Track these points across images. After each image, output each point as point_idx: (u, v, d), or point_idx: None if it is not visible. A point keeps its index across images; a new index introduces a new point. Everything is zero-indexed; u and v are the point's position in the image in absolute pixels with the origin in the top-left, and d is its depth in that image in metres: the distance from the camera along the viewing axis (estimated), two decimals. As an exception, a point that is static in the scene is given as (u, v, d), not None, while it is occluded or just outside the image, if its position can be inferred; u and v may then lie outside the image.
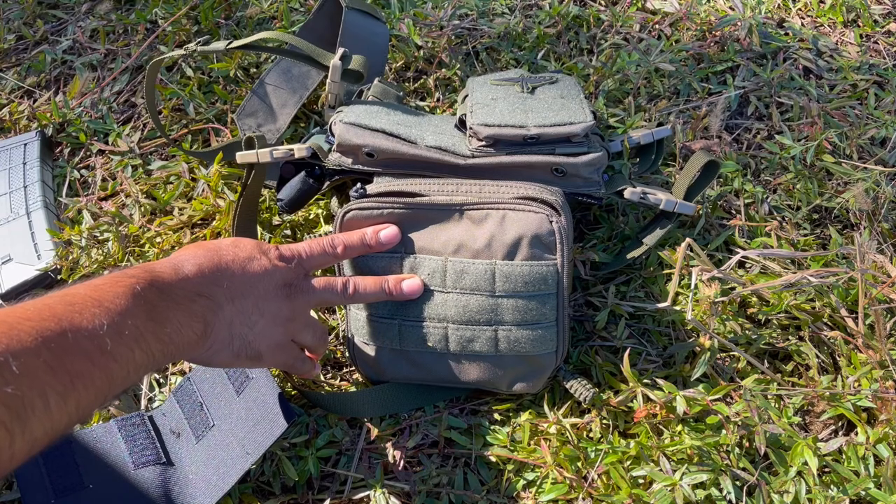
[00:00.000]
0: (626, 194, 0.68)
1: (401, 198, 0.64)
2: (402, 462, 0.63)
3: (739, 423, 0.61)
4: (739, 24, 0.96)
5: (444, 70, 0.92)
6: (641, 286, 0.73)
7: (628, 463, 0.62)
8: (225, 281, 0.54)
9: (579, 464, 0.62)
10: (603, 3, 1.04)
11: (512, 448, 0.64)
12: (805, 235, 0.77)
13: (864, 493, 0.59)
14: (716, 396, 0.62)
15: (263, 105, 0.88)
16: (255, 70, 0.95)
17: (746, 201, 0.80)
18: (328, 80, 0.73)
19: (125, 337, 0.44)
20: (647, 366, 0.69)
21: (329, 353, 0.72)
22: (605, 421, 0.65)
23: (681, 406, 0.61)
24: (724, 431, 0.61)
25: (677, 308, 0.70)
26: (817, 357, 0.69)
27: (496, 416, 0.67)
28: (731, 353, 0.68)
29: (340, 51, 0.73)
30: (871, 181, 0.80)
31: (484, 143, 0.65)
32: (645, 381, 0.65)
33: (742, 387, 0.64)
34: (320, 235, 0.76)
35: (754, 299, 0.71)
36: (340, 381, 0.71)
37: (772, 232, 0.76)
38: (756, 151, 0.85)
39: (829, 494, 0.59)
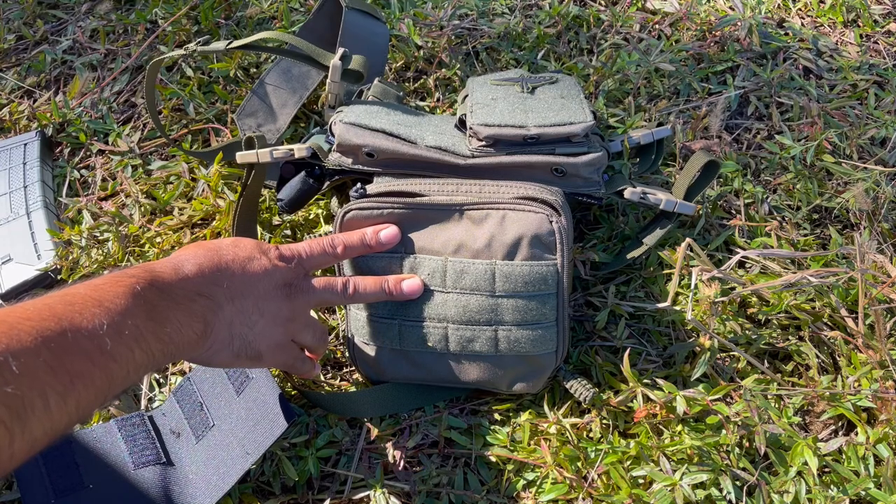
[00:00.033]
0: (626, 194, 0.68)
1: (401, 198, 0.64)
2: (402, 462, 0.63)
3: (739, 423, 0.61)
4: (739, 24, 0.96)
5: (444, 70, 0.92)
6: (641, 286, 0.73)
7: (628, 463, 0.62)
8: (225, 281, 0.54)
9: (579, 464, 0.62)
10: (603, 3, 1.04)
11: (512, 448, 0.64)
12: (805, 235, 0.77)
13: (864, 493, 0.59)
14: (716, 396, 0.62)
15: (263, 105, 0.88)
16: (255, 70, 0.95)
17: (746, 201, 0.80)
18: (328, 80, 0.73)
19: (125, 337, 0.44)
20: (647, 366, 0.69)
21: (329, 353, 0.72)
22: (605, 421, 0.65)
23: (681, 406, 0.61)
24: (724, 431, 0.61)
25: (677, 308, 0.70)
26: (817, 357, 0.69)
27: (496, 416, 0.67)
28: (731, 353, 0.68)
29: (340, 51, 0.73)
30: (871, 181, 0.80)
31: (484, 143, 0.65)
32: (645, 381, 0.65)
33: (742, 387, 0.64)
34: (320, 235, 0.76)
35: (754, 299, 0.71)
36: (340, 381, 0.71)
37: (772, 232, 0.76)
38: (756, 151, 0.85)
39: (829, 494, 0.59)
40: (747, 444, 0.62)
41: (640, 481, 0.61)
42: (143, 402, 0.71)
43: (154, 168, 0.88)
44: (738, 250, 0.74)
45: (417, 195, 0.65)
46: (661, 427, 0.64)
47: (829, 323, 0.71)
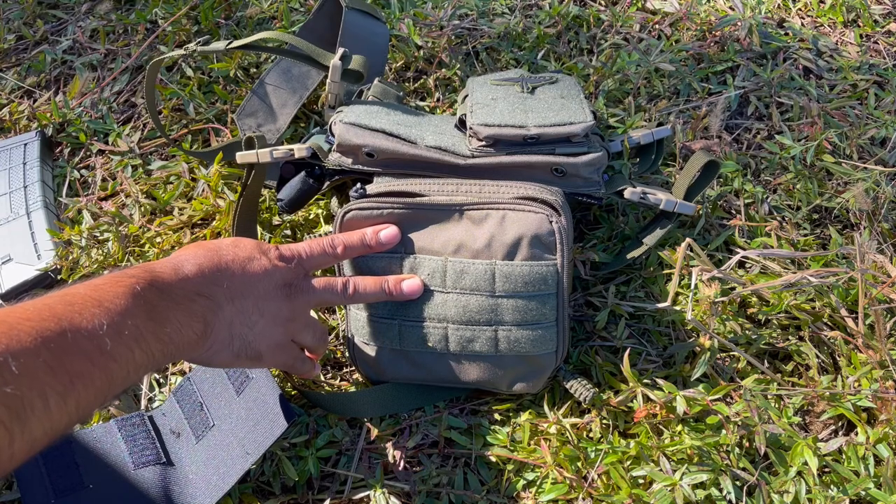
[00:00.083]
0: (626, 194, 0.68)
1: (401, 198, 0.64)
2: (402, 462, 0.63)
3: (739, 423, 0.61)
4: (739, 24, 0.96)
5: (444, 70, 0.92)
6: (641, 286, 0.73)
7: (628, 463, 0.62)
8: (225, 281, 0.54)
9: (579, 464, 0.62)
10: (603, 3, 1.04)
11: (512, 448, 0.64)
12: (805, 235, 0.77)
13: (864, 493, 0.59)
14: (716, 396, 0.62)
15: (263, 105, 0.88)
16: (255, 70, 0.95)
17: (746, 201, 0.80)
18: (328, 80, 0.73)
19: (125, 337, 0.44)
20: (647, 366, 0.69)
21: (329, 353, 0.72)
22: (605, 421, 0.65)
23: (681, 406, 0.61)
24: (724, 431, 0.61)
25: (677, 308, 0.70)
26: (817, 357, 0.69)
27: (496, 416, 0.67)
28: (731, 353, 0.68)
29: (340, 51, 0.73)
30: (871, 181, 0.80)
31: (484, 143, 0.65)
32: (645, 381, 0.65)
33: (742, 387, 0.64)
34: (320, 235, 0.76)
35: (754, 299, 0.71)
36: (340, 381, 0.71)
37: (772, 232, 0.76)
38: (756, 151, 0.85)
39: (829, 494, 0.59)
40: (747, 444, 0.62)
41: (640, 481, 0.61)
42: (143, 402, 0.71)
43: (154, 168, 0.88)
44: (738, 250, 0.74)
45: (417, 195, 0.65)
46: (661, 427, 0.64)
47: (829, 323, 0.71)
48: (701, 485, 0.60)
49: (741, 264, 0.75)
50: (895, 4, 1.04)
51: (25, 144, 0.90)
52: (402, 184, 0.66)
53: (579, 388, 0.64)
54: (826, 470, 0.62)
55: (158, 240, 0.80)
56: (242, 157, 0.70)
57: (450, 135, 0.68)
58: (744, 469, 0.60)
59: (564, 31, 0.97)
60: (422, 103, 0.91)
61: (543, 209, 0.61)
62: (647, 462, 0.61)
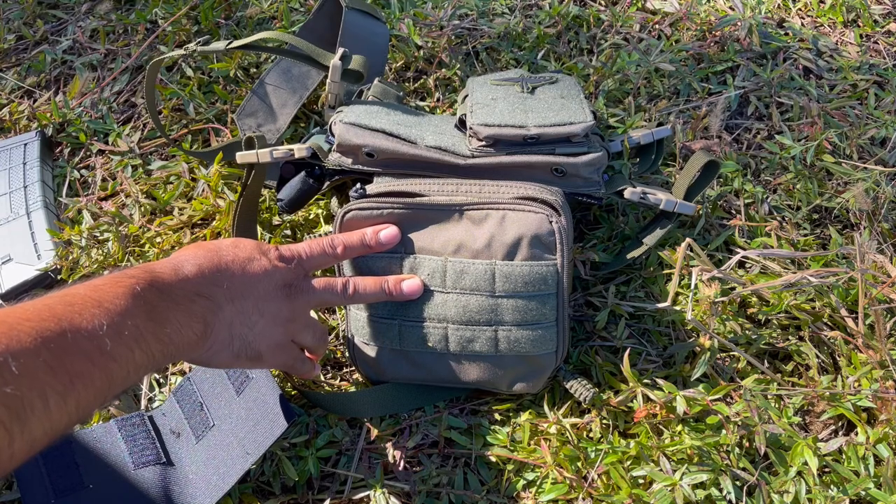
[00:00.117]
0: (626, 194, 0.68)
1: (401, 198, 0.64)
2: (402, 462, 0.63)
3: (739, 423, 0.61)
4: (739, 24, 0.96)
5: (444, 70, 0.92)
6: (641, 286, 0.73)
7: (628, 463, 0.62)
8: (225, 281, 0.54)
9: (579, 464, 0.62)
10: (603, 3, 1.04)
11: (512, 448, 0.64)
12: (805, 235, 0.77)
13: (864, 493, 0.59)
14: (716, 396, 0.62)
15: (263, 105, 0.88)
16: (255, 70, 0.95)
17: (746, 201, 0.80)
18: (328, 80, 0.73)
19: (125, 337, 0.44)
20: (647, 366, 0.69)
21: (329, 353, 0.72)
22: (605, 421, 0.65)
23: (681, 406, 0.61)
24: (724, 431, 0.61)
25: (677, 308, 0.70)
26: (817, 357, 0.69)
27: (496, 416, 0.67)
28: (731, 353, 0.68)
29: (340, 51, 0.73)
30: (871, 181, 0.80)
31: (484, 143, 0.65)
32: (645, 381, 0.65)
33: (742, 387, 0.64)
34: (320, 235, 0.76)
35: (754, 299, 0.71)
36: (340, 381, 0.71)
37: (772, 232, 0.76)
38: (756, 151, 0.85)
39: (829, 494, 0.59)
40: (747, 444, 0.62)
41: (640, 481, 0.61)
42: (143, 402, 0.71)
43: (154, 168, 0.88)
44: (738, 250, 0.74)
45: (417, 195, 0.65)
46: (661, 427, 0.64)
47: (829, 323, 0.71)
48: (701, 485, 0.60)
49: (741, 264, 0.75)
50: (895, 4, 1.04)
51: (25, 144, 0.90)
52: (402, 184, 0.66)
53: (579, 388, 0.64)
54: (826, 470, 0.62)
55: (158, 240, 0.80)
56: (242, 157, 0.70)
57: (450, 135, 0.68)
58: (744, 469, 0.60)
59: (564, 31, 0.97)
60: (422, 103, 0.91)
61: (543, 209, 0.61)
62: (647, 462, 0.61)
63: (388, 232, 0.63)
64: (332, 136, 0.69)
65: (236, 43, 0.77)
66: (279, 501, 0.63)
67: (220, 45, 0.78)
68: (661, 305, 0.69)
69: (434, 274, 0.62)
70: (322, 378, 0.71)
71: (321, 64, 0.76)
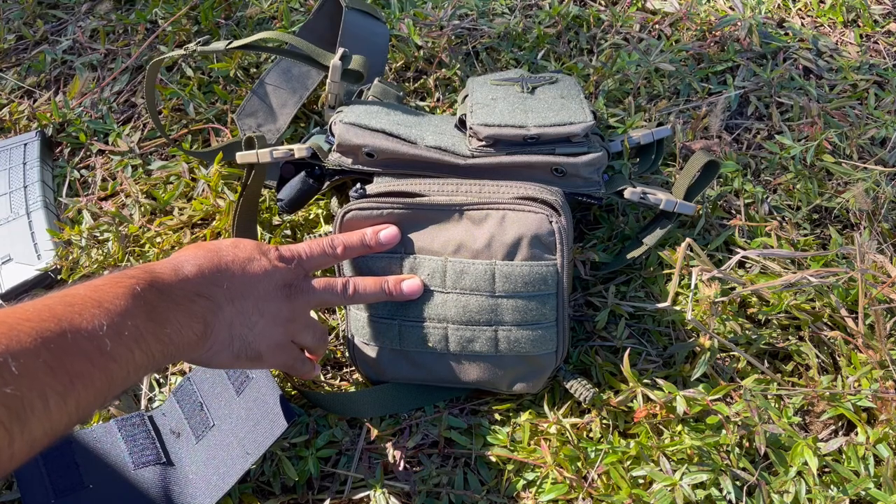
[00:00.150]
0: (626, 194, 0.68)
1: (401, 198, 0.64)
2: (402, 462, 0.63)
3: (739, 423, 0.61)
4: (739, 24, 0.96)
5: (444, 70, 0.92)
6: (641, 286, 0.73)
7: (628, 463, 0.62)
8: (225, 282, 0.54)
9: (579, 464, 0.62)
10: (603, 3, 1.03)
11: (512, 448, 0.64)
12: (805, 235, 0.77)
13: (864, 493, 0.59)
14: (716, 396, 0.62)
15: (263, 105, 0.88)
16: (255, 70, 0.95)
17: (746, 201, 0.80)
18: (328, 80, 0.73)
19: (125, 338, 0.44)
20: (647, 366, 0.69)
21: (329, 353, 0.72)
22: (605, 421, 0.65)
23: (681, 406, 0.61)
24: (724, 431, 0.61)
25: (677, 308, 0.70)
26: (817, 357, 0.69)
27: (496, 416, 0.67)
28: (731, 353, 0.68)
29: (340, 51, 0.73)
30: (871, 181, 0.80)
31: (484, 143, 0.65)
32: (645, 381, 0.65)
33: (742, 387, 0.64)
34: (320, 235, 0.76)
35: (754, 299, 0.71)
36: (340, 381, 0.71)
37: (772, 232, 0.76)
38: (756, 151, 0.85)
39: (829, 494, 0.59)
40: (747, 444, 0.62)
41: (640, 481, 0.61)
42: (143, 402, 0.71)
43: (154, 168, 0.88)
44: (738, 250, 0.74)
45: (417, 195, 0.65)
46: (661, 427, 0.64)
47: (829, 323, 0.71)
48: (701, 485, 0.60)
49: (741, 264, 0.75)
50: (895, 4, 1.04)
51: (25, 144, 0.90)
52: (402, 184, 0.66)
53: (579, 388, 0.64)
54: (826, 470, 0.62)
55: (158, 240, 0.80)
56: (242, 157, 0.70)
57: (450, 135, 0.68)
58: (744, 469, 0.60)
59: (564, 31, 0.97)
60: (422, 103, 0.91)
61: (543, 209, 0.61)
62: (647, 462, 0.61)
63: (388, 232, 0.63)
64: (332, 136, 0.69)
65: (236, 43, 0.77)
66: (279, 501, 0.63)
67: (220, 45, 0.78)
68: (661, 305, 0.69)
69: (434, 274, 0.62)
70: (322, 378, 0.71)
71: (321, 64, 0.76)
